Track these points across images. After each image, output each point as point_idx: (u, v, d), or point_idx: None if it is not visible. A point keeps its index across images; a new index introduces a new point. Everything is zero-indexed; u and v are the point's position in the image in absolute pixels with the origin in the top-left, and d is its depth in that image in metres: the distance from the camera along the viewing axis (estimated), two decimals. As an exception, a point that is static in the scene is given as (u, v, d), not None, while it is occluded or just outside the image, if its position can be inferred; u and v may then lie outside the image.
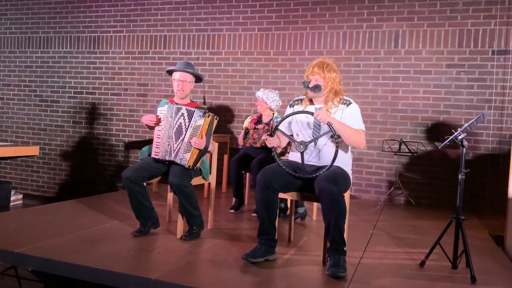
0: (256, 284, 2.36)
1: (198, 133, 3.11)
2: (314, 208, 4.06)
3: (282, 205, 3.81)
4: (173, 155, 3.11)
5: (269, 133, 2.79)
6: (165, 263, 2.60)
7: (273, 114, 4.30)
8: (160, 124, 3.15)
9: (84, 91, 6.54)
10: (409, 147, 4.77)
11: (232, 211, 4.12)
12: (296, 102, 2.93)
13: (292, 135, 2.88)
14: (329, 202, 2.48)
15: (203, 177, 3.33)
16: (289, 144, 3.04)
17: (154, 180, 3.22)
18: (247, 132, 4.27)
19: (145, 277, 2.34)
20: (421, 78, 5.11)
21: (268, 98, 4.17)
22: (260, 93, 4.19)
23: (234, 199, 4.21)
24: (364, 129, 2.77)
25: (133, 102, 6.31)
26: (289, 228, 3.22)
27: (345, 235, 2.66)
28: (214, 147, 3.36)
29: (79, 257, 2.61)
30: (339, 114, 2.74)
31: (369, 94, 5.29)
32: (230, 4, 5.83)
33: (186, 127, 3.12)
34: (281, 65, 5.62)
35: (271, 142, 2.73)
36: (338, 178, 2.57)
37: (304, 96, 2.89)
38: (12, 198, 5.79)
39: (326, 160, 2.71)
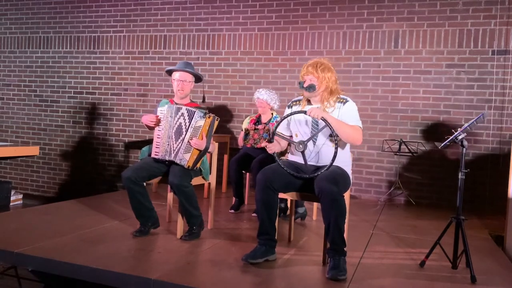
0: (256, 284, 2.36)
1: (199, 133, 3.11)
2: (314, 208, 4.06)
3: (282, 205, 3.81)
4: (173, 155, 3.11)
5: (268, 139, 2.79)
6: (165, 263, 2.60)
7: (272, 114, 4.30)
8: (160, 124, 3.15)
9: (84, 91, 6.54)
10: (409, 147, 4.77)
11: (232, 211, 4.12)
12: (294, 103, 2.94)
13: (291, 136, 2.88)
14: (329, 202, 2.48)
15: (203, 177, 3.33)
16: (289, 145, 3.03)
17: (154, 180, 3.22)
18: (247, 133, 4.27)
19: (145, 277, 2.34)
20: (421, 78, 5.11)
21: (271, 99, 4.19)
22: (262, 95, 4.17)
23: (234, 199, 4.22)
24: (361, 126, 2.75)
25: (133, 102, 6.31)
26: (289, 228, 3.22)
27: (345, 235, 2.66)
28: (214, 147, 3.36)
29: (79, 257, 2.61)
30: (336, 113, 2.74)
31: (369, 94, 5.29)
32: (230, 4, 5.84)
33: (186, 127, 3.12)
34: (281, 65, 5.62)
35: (271, 148, 2.73)
36: (338, 178, 2.57)
37: (302, 97, 2.89)
38: (12, 198, 5.79)
39: (325, 160, 2.70)
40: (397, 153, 4.87)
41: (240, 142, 4.34)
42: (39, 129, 6.81)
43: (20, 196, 6.05)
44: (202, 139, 3.11)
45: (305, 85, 2.76)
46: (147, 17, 6.22)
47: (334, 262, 2.50)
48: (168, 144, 3.13)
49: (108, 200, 4.47)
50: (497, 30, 4.86)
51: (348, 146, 2.89)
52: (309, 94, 2.78)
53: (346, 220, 2.81)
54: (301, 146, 2.64)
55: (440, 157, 5.02)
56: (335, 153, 2.57)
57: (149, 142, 3.35)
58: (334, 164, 2.60)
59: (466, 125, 2.67)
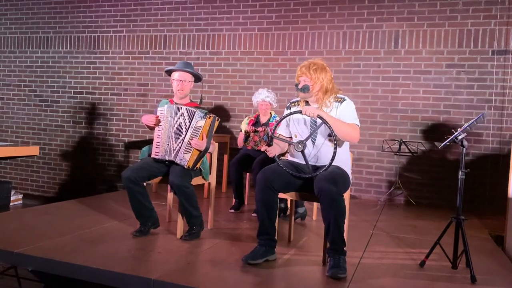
0: (256, 284, 2.36)
1: (199, 134, 3.11)
2: (314, 208, 4.06)
3: (282, 205, 3.81)
4: (172, 154, 3.11)
5: (267, 142, 2.79)
6: (165, 263, 2.60)
7: (271, 113, 4.29)
8: (160, 124, 3.15)
9: (84, 91, 6.54)
10: (409, 147, 4.77)
11: (232, 211, 4.12)
12: (292, 104, 2.94)
13: (290, 138, 2.88)
14: (328, 202, 2.48)
15: (203, 177, 3.33)
16: (289, 146, 3.04)
17: (154, 181, 3.21)
18: (247, 135, 4.25)
19: (145, 277, 2.34)
20: (421, 78, 5.11)
21: (274, 99, 4.20)
22: (267, 97, 4.15)
23: (234, 199, 4.21)
24: (359, 124, 2.75)
25: (133, 102, 6.31)
26: (289, 228, 3.22)
27: (345, 235, 2.66)
28: (214, 147, 3.36)
29: (79, 257, 2.61)
30: (334, 112, 2.74)
31: (369, 94, 5.29)
32: (230, 4, 5.83)
33: (187, 127, 3.12)
34: (281, 65, 5.62)
35: (271, 152, 2.73)
36: (337, 178, 2.57)
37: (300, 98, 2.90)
38: (12, 198, 5.79)
39: (324, 160, 2.70)
40: (397, 153, 4.87)
41: (240, 143, 4.34)
42: (39, 129, 6.81)
43: (20, 196, 6.05)
44: (202, 139, 3.11)
45: (299, 86, 2.77)
46: (147, 17, 6.22)
47: (334, 261, 2.50)
48: (168, 144, 3.13)
49: (108, 200, 4.47)
50: (497, 30, 4.86)
51: (347, 146, 2.89)
52: (304, 95, 2.79)
53: (346, 220, 2.81)
54: (300, 146, 2.64)
55: (440, 157, 5.02)
56: (334, 153, 2.57)
57: (149, 142, 3.36)
58: (333, 164, 2.60)
59: (466, 125, 2.67)
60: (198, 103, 3.42)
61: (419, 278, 2.56)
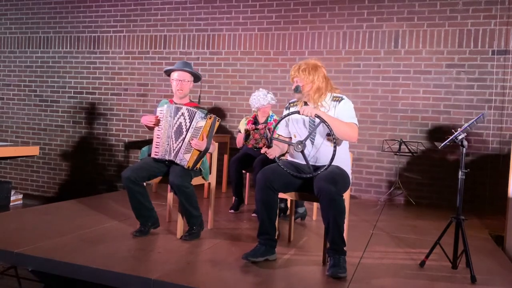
0: (256, 284, 2.36)
1: (199, 134, 3.11)
2: (314, 208, 4.06)
3: (282, 205, 3.81)
4: (172, 154, 3.11)
5: (266, 144, 2.80)
6: (165, 263, 2.60)
7: (269, 113, 4.27)
8: (159, 124, 3.15)
9: (84, 91, 6.54)
10: (409, 147, 4.77)
11: (232, 211, 4.12)
12: (291, 104, 2.95)
13: (290, 138, 2.89)
14: (327, 202, 2.48)
15: (203, 177, 3.33)
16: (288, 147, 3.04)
17: (155, 181, 3.21)
18: (248, 134, 4.23)
19: (145, 277, 2.34)
20: (421, 78, 5.11)
21: (275, 100, 4.19)
22: (268, 100, 4.12)
23: (234, 199, 4.21)
24: (357, 123, 2.75)
25: (133, 102, 6.31)
26: (289, 228, 3.22)
27: (345, 235, 2.66)
28: (214, 147, 3.36)
29: (79, 257, 2.61)
30: (332, 112, 2.75)
31: (369, 94, 5.29)
32: (230, 4, 5.83)
33: (187, 127, 3.12)
34: (281, 65, 5.62)
35: (271, 153, 2.74)
36: (336, 177, 2.57)
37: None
38: (12, 198, 5.79)
39: (324, 160, 2.70)
40: (397, 153, 4.87)
41: (239, 143, 4.32)
42: (39, 129, 6.81)
43: (20, 196, 6.05)
44: (202, 139, 3.11)
45: (292, 87, 2.80)
46: (147, 17, 6.22)
47: (334, 260, 2.50)
48: (168, 144, 3.13)
49: (108, 200, 4.47)
50: (497, 30, 4.86)
51: (347, 146, 2.89)
52: (298, 95, 2.81)
53: (346, 220, 2.81)
54: (299, 146, 2.64)
55: (440, 157, 5.02)
56: (334, 152, 2.57)
57: (149, 142, 3.36)
58: (333, 163, 2.60)
59: (466, 125, 2.67)
60: (197, 102, 3.42)
61: (419, 278, 2.56)
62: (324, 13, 5.46)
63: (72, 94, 6.61)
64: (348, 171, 2.80)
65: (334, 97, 2.79)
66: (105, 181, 6.43)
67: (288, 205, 3.46)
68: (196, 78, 3.34)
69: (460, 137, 2.62)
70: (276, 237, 2.74)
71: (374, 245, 3.24)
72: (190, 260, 2.70)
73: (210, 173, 3.43)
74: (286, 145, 2.91)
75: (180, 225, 3.15)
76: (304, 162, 2.68)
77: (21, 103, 6.90)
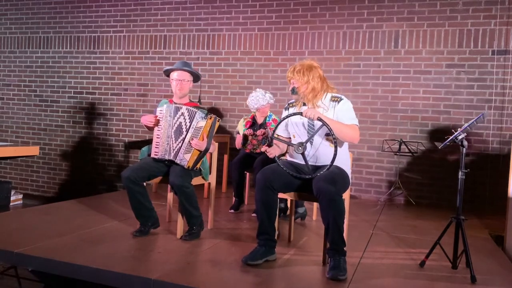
0: (256, 284, 2.36)
1: (199, 134, 3.11)
2: (314, 208, 4.06)
3: (282, 205, 3.81)
4: (172, 154, 3.11)
5: (267, 143, 2.80)
6: (165, 263, 2.60)
7: (268, 112, 4.25)
8: (159, 124, 3.15)
9: (84, 91, 6.54)
10: (409, 147, 4.77)
11: (232, 211, 4.12)
12: (290, 105, 2.95)
13: (289, 138, 2.89)
14: (327, 202, 2.48)
15: (202, 177, 3.32)
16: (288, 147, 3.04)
17: (155, 181, 3.21)
18: (246, 139, 4.22)
19: (145, 277, 2.34)
20: (421, 78, 5.11)
21: (273, 99, 4.18)
22: (271, 99, 4.11)
23: (234, 199, 4.21)
24: (357, 124, 2.75)
25: (133, 102, 6.31)
26: (289, 228, 3.22)
27: (345, 235, 2.66)
28: (214, 147, 3.36)
29: (79, 257, 2.61)
30: (331, 112, 2.74)
31: (369, 94, 5.29)
32: (230, 4, 5.83)
33: (187, 127, 3.12)
34: (281, 65, 5.62)
35: (271, 153, 2.75)
36: (336, 178, 2.57)
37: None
38: (12, 198, 5.79)
39: (324, 160, 2.71)
40: (397, 153, 4.87)
41: (238, 145, 4.29)
42: (39, 129, 6.81)
43: (20, 196, 6.06)
44: (202, 139, 3.11)
45: (289, 89, 2.81)
46: (147, 17, 6.22)
47: (334, 262, 2.50)
48: (168, 144, 3.13)
49: (108, 200, 4.47)
50: (497, 30, 4.86)
51: (346, 146, 2.89)
52: (295, 96, 2.82)
53: (346, 220, 2.81)
54: (300, 148, 2.64)
55: (440, 157, 5.02)
56: (335, 153, 2.57)
57: (149, 142, 3.36)
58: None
59: (466, 125, 2.67)
60: (198, 102, 3.42)
61: (419, 278, 2.56)
62: (324, 13, 5.46)
63: (72, 94, 6.61)
64: (348, 171, 2.79)
65: (332, 97, 2.79)
66: (105, 181, 6.43)
67: (288, 205, 3.46)
68: (196, 78, 3.34)
69: (460, 137, 2.62)
70: (276, 237, 2.74)
71: (374, 245, 3.24)
72: (190, 260, 2.70)
73: (210, 173, 3.43)
74: (286, 145, 2.92)
75: (180, 225, 3.15)
76: (303, 163, 2.68)
77: (21, 103, 6.90)
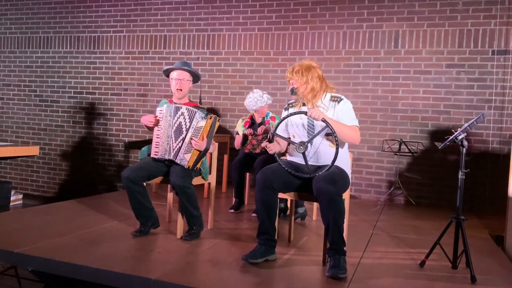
0: (256, 284, 2.36)
1: (199, 134, 3.11)
2: (314, 208, 4.06)
3: (282, 205, 3.81)
4: (172, 154, 3.11)
5: (268, 139, 2.80)
6: (165, 263, 2.60)
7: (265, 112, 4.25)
8: (159, 124, 3.15)
9: (84, 91, 6.54)
10: (409, 147, 4.77)
11: (232, 211, 4.12)
12: (290, 105, 2.95)
13: (289, 139, 2.89)
14: (327, 202, 2.48)
15: (202, 177, 3.32)
16: (288, 146, 3.04)
17: (155, 181, 3.21)
18: (246, 139, 4.21)
19: (145, 277, 2.34)
20: (421, 78, 5.11)
21: (270, 99, 4.17)
22: (269, 99, 4.10)
23: (234, 199, 4.21)
24: (358, 125, 2.77)
25: (133, 102, 6.31)
26: (289, 228, 3.22)
27: (345, 235, 2.66)
28: (214, 147, 3.36)
29: (79, 257, 2.61)
30: (331, 112, 2.75)
31: (369, 94, 5.29)
32: (230, 4, 5.83)
33: (187, 127, 3.12)
34: (281, 65, 5.61)
35: (272, 149, 2.75)
36: (336, 178, 2.57)
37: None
38: (12, 198, 5.79)
39: (324, 159, 2.71)
40: (397, 153, 4.87)
41: (237, 145, 4.27)
42: (39, 129, 6.81)
43: (20, 196, 6.05)
44: (202, 139, 3.11)
45: (288, 89, 2.81)
46: (147, 17, 6.22)
47: (334, 261, 2.50)
48: (168, 144, 3.13)
49: (108, 200, 4.47)
50: (497, 30, 4.86)
51: (346, 146, 2.89)
52: (295, 97, 2.83)
53: (346, 220, 2.81)
54: (301, 147, 2.65)
55: (440, 157, 5.02)
56: (336, 153, 2.57)
57: (149, 142, 3.36)
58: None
59: (466, 125, 2.67)
60: (198, 103, 3.42)
61: (419, 278, 2.56)
62: (324, 13, 5.46)
63: (72, 94, 6.61)
64: (348, 171, 2.79)
65: (332, 97, 2.80)
66: (105, 181, 6.43)
67: (288, 205, 3.46)
68: (196, 77, 3.33)
69: (460, 137, 2.62)
70: (276, 237, 2.74)
71: (374, 245, 3.24)
72: (190, 260, 2.70)
73: (210, 173, 3.43)
74: (286, 144, 2.92)
75: (180, 225, 3.15)
76: (304, 162, 2.68)
77: (21, 103, 6.90)
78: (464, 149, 2.67)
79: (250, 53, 5.76)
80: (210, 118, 3.13)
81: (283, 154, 3.13)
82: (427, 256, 2.77)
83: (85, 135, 6.55)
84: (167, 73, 3.31)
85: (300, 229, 3.63)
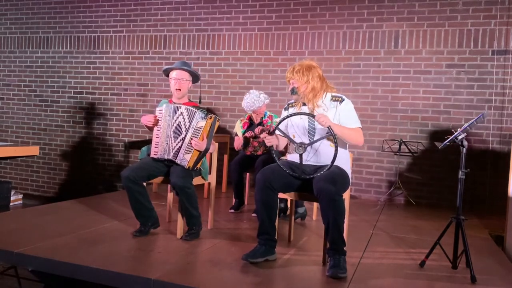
0: (256, 284, 2.36)
1: (199, 134, 3.11)
2: (314, 208, 4.06)
3: (282, 205, 3.81)
4: (171, 153, 3.11)
5: (269, 131, 2.80)
6: (165, 263, 2.60)
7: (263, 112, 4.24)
8: (158, 124, 3.15)
9: (84, 91, 6.54)
10: (409, 147, 4.77)
11: (232, 211, 4.12)
12: (290, 105, 2.95)
13: (290, 136, 2.89)
14: (327, 202, 2.48)
15: (202, 177, 3.32)
16: (288, 144, 3.04)
17: (155, 181, 3.21)
18: (247, 142, 4.19)
19: (145, 277, 2.34)
20: (421, 78, 5.11)
21: (268, 98, 4.15)
22: (266, 99, 4.09)
23: (234, 199, 4.21)
24: (360, 125, 2.78)
25: (133, 102, 6.31)
26: (289, 228, 3.22)
27: (345, 235, 2.66)
28: (214, 147, 3.36)
29: (79, 257, 2.61)
30: (333, 112, 2.75)
31: (369, 94, 5.29)
32: (230, 4, 5.83)
33: (187, 127, 3.12)
34: (281, 65, 5.61)
35: (270, 141, 2.74)
36: (336, 178, 2.57)
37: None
38: (12, 198, 5.79)
39: (324, 159, 2.71)
40: (397, 153, 4.87)
41: (237, 147, 4.25)
42: (39, 129, 6.81)
43: (20, 196, 6.06)
44: (202, 140, 3.11)
45: (289, 89, 2.82)
46: (147, 17, 6.22)
47: (334, 261, 2.50)
48: (167, 143, 3.13)
49: (108, 200, 4.47)
50: (497, 30, 4.86)
51: (347, 146, 2.89)
52: (295, 97, 2.82)
53: (346, 220, 2.81)
54: (301, 148, 2.65)
55: (440, 157, 5.02)
56: (335, 153, 2.57)
57: (149, 142, 3.36)
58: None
59: (466, 125, 2.67)
60: (198, 103, 3.42)
61: (419, 278, 2.56)
62: (324, 13, 5.46)
63: (72, 94, 6.61)
64: (348, 171, 2.79)
65: (333, 96, 2.80)
66: (105, 181, 6.43)
67: (288, 205, 3.46)
68: (195, 77, 3.33)
69: (460, 137, 2.62)
70: (276, 237, 2.74)
71: (374, 245, 3.24)
72: (190, 260, 2.70)
73: (210, 173, 3.43)
74: (285, 142, 2.92)
75: (180, 225, 3.15)
76: (304, 163, 2.68)
77: (21, 103, 6.90)
78: (464, 149, 2.67)
79: (250, 53, 5.76)
80: (210, 118, 3.13)
81: (283, 154, 3.13)
82: (427, 256, 2.77)
83: (85, 135, 6.55)
84: (166, 73, 3.31)
85: (300, 229, 3.62)
